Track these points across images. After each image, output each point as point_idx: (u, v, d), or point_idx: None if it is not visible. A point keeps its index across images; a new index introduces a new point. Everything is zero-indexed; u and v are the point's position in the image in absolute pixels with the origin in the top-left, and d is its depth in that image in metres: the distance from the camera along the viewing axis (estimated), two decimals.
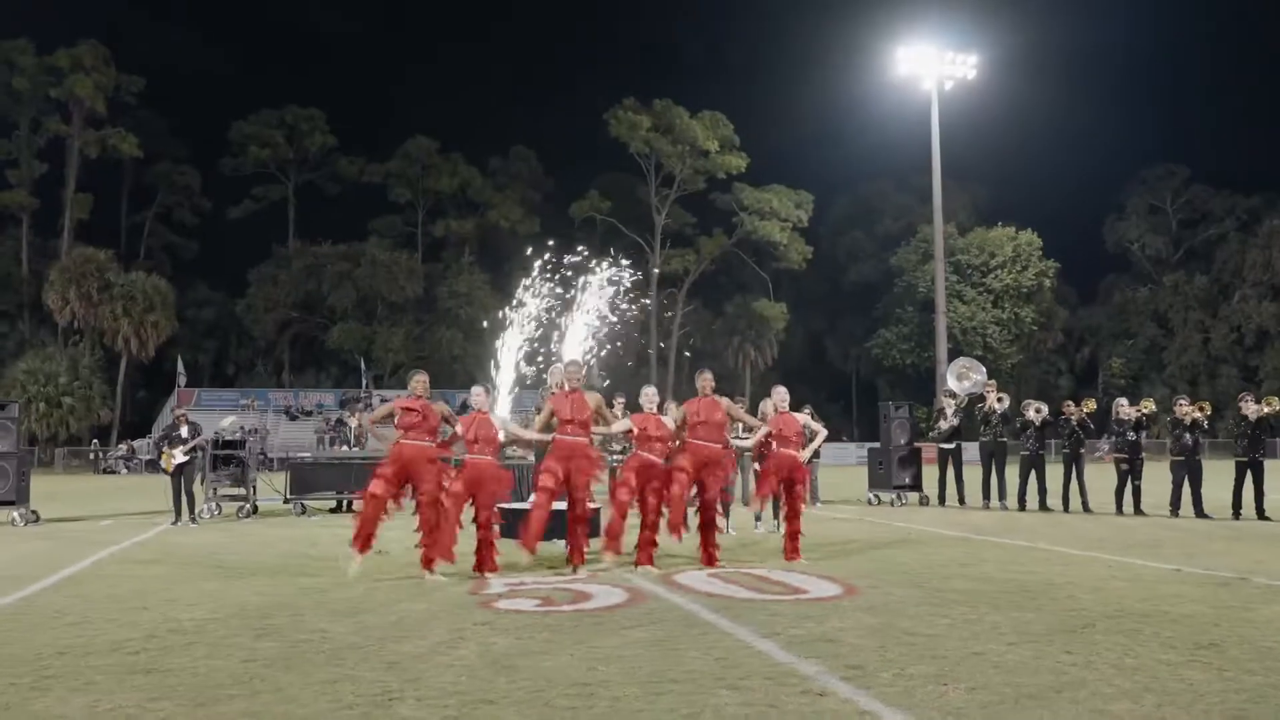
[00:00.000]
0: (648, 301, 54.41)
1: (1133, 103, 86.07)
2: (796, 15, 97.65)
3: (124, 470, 41.36)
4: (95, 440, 50.29)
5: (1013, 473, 15.69)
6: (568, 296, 15.59)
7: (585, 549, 8.60)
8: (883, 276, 66.14)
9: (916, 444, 17.43)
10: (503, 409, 13.81)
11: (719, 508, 9.03)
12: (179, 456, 13.88)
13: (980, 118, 58.30)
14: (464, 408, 10.11)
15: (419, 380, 8.38)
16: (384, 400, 37.30)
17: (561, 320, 15.45)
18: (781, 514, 10.03)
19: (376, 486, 8.09)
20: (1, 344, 56.25)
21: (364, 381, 41.53)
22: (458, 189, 65.50)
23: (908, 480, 16.82)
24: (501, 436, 8.88)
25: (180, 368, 42.45)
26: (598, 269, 14.90)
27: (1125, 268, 71.20)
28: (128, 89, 59.34)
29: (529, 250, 16.36)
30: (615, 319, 15.69)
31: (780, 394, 9.58)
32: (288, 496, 15.72)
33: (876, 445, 17.93)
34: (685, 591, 7.43)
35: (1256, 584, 7.61)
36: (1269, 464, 13.96)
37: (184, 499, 13.82)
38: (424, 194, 65.85)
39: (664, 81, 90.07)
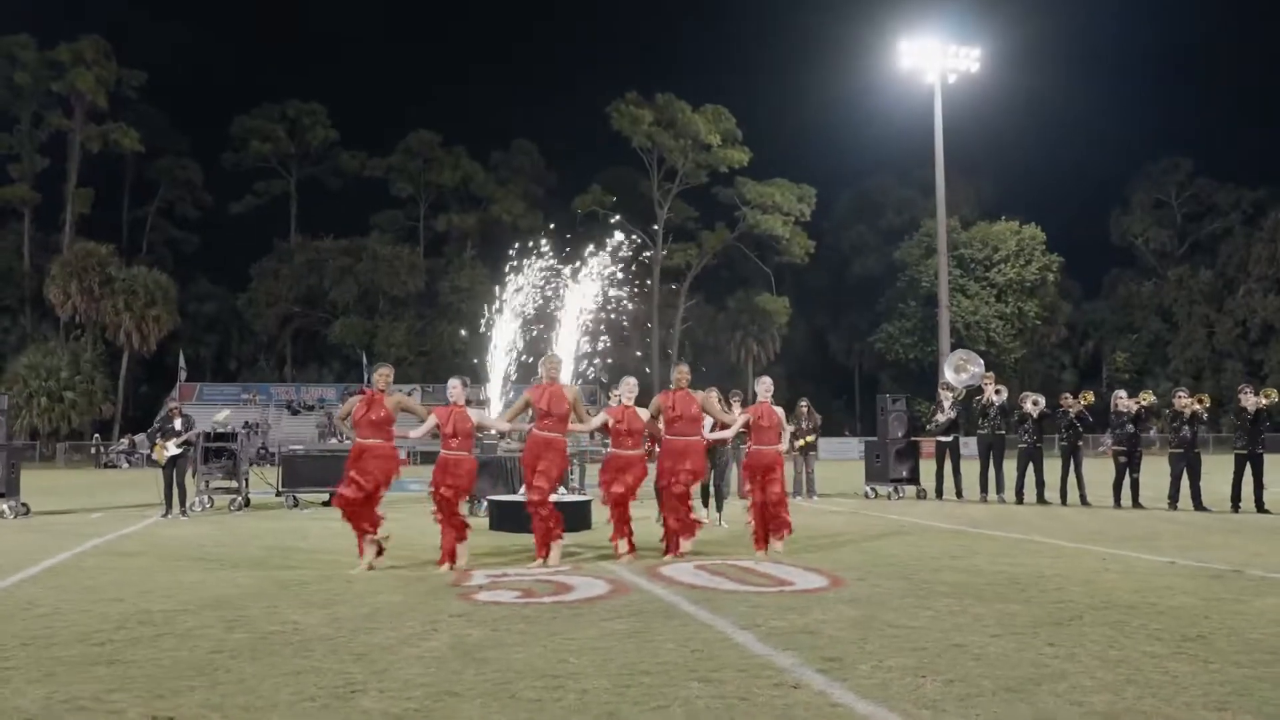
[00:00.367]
0: (650, 282, 54.40)
1: (1137, 96, 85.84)
2: (799, 8, 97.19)
3: (125, 464, 41.28)
4: (97, 435, 50.30)
5: (1011, 466, 15.57)
6: (562, 286, 15.48)
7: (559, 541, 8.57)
8: (886, 271, 65.93)
9: (914, 437, 17.30)
10: (494, 402, 13.74)
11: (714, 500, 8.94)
12: (171, 449, 13.79)
13: (984, 111, 58.17)
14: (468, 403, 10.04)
15: (380, 374, 8.34)
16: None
17: (556, 303, 15.34)
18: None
19: (343, 488, 8.08)
20: (3, 338, 56.24)
21: (365, 376, 41.46)
22: (460, 183, 65.41)
23: (905, 473, 16.70)
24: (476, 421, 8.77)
25: (181, 362, 42.30)
26: (598, 253, 14.80)
27: (1130, 262, 70.92)
28: (129, 83, 59.27)
29: (530, 244, 16.24)
30: (613, 307, 15.57)
31: (765, 385, 9.46)
32: (280, 489, 15.63)
33: (874, 439, 17.81)
34: (668, 583, 7.32)
35: (1250, 576, 7.49)
36: (1270, 457, 13.82)
37: (175, 491, 13.74)
38: (426, 188, 65.77)
39: (666, 75, 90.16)
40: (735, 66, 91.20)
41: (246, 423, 47.12)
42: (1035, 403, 15.16)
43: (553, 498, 8.56)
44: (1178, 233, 69.78)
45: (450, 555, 8.16)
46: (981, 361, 17.67)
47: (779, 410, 9.39)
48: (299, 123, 64.44)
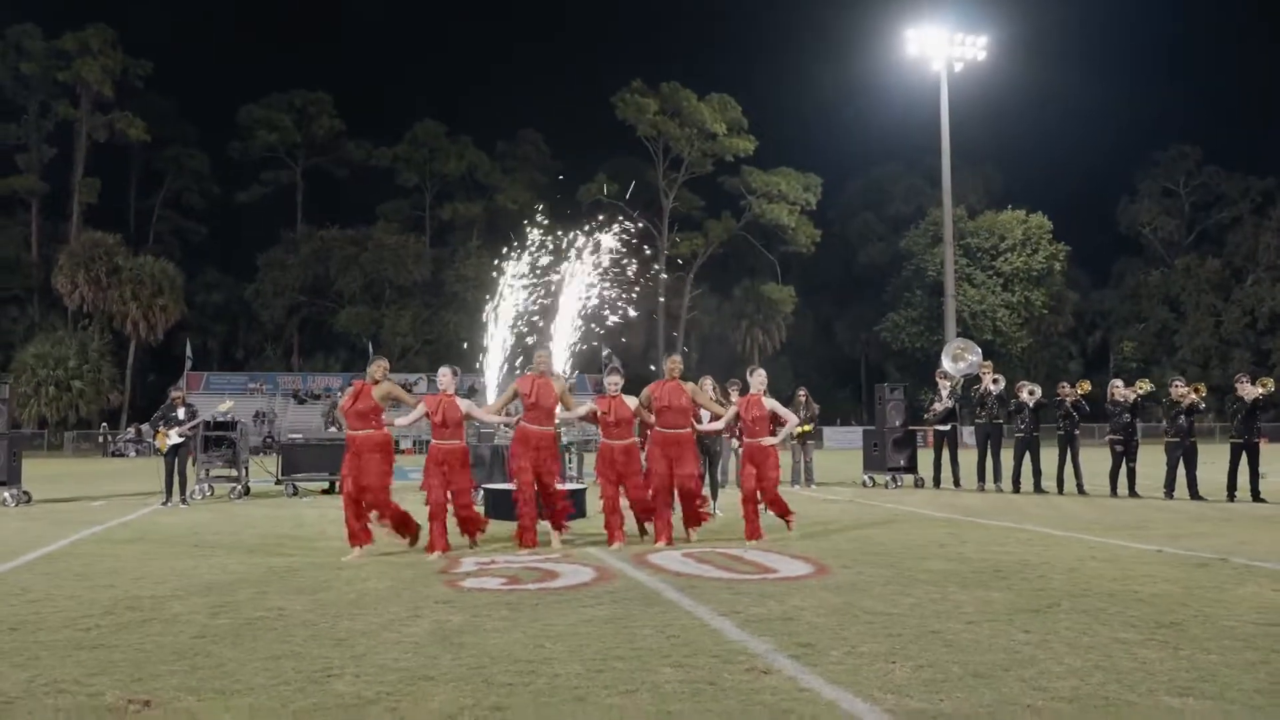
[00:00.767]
0: (658, 267, 54.37)
1: (1145, 84, 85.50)
2: None
3: (132, 453, 41.55)
4: (104, 424, 50.56)
5: (1009, 455, 15.59)
6: (561, 271, 15.55)
7: (565, 527, 8.79)
8: (892, 259, 65.86)
9: (912, 426, 17.32)
10: (490, 390, 13.80)
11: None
12: (173, 437, 13.89)
13: (990, 100, 58.04)
14: (471, 391, 10.19)
15: (375, 365, 8.48)
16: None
17: (554, 287, 15.41)
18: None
19: (346, 485, 8.27)
20: (12, 328, 56.53)
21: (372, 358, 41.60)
22: (465, 172, 65.52)
23: (902, 462, 16.73)
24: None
25: (188, 351, 42.55)
26: (599, 236, 14.90)
27: (1137, 251, 70.73)
28: (135, 73, 59.39)
29: (532, 230, 16.28)
30: (617, 295, 15.62)
31: (758, 378, 9.50)
32: (279, 477, 15.73)
33: (873, 427, 17.84)
34: (654, 570, 7.38)
35: (1234, 564, 7.51)
36: (1269, 447, 13.81)
37: (176, 479, 13.84)
38: (431, 177, 65.82)
39: (671, 64, 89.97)
40: (741, 55, 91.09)
41: (258, 412, 47.63)
42: (1031, 392, 15.17)
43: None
44: (1185, 222, 69.59)
45: (442, 543, 8.24)
46: (979, 350, 17.67)
47: (771, 402, 9.41)
48: (305, 112, 64.54)
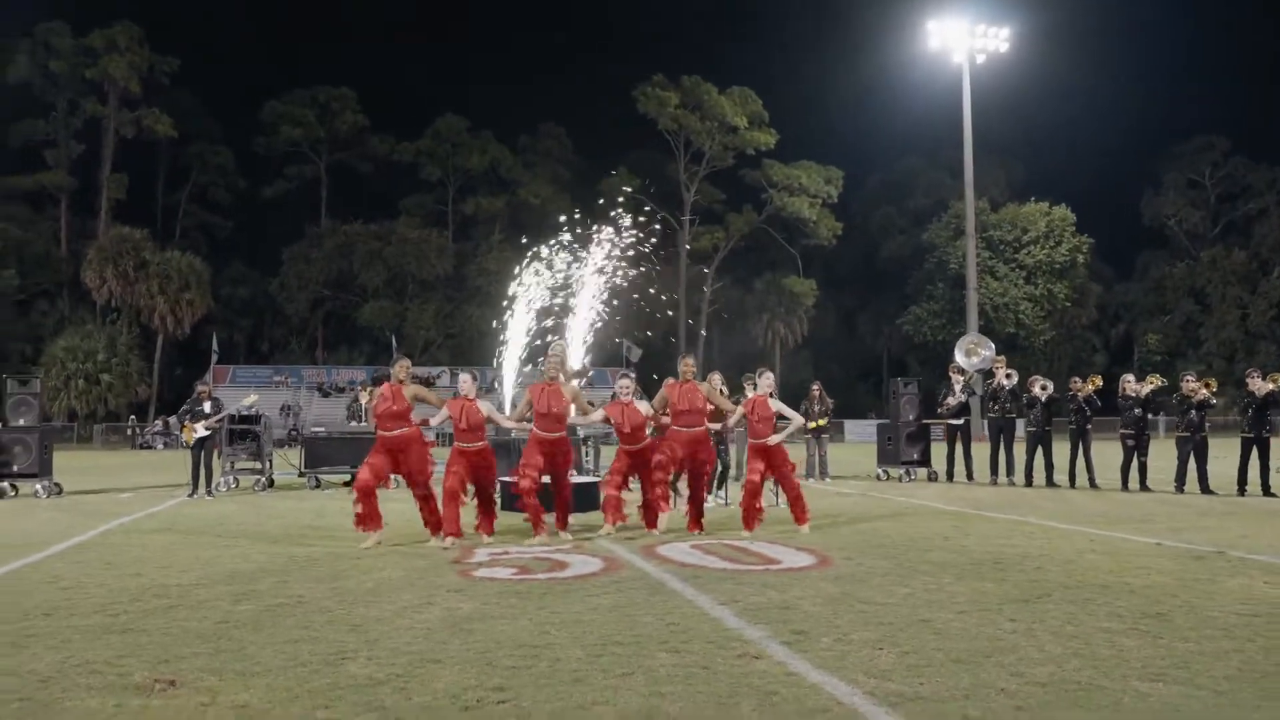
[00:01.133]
0: (680, 257, 54.43)
1: (1170, 74, 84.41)
2: None
3: (160, 446, 42.15)
4: (133, 417, 51.29)
5: (1021, 449, 15.71)
6: (581, 266, 15.78)
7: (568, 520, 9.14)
8: (914, 252, 65.75)
9: (925, 420, 17.45)
10: (506, 391, 14.07)
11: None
12: (200, 430, 14.26)
13: (1013, 91, 57.69)
14: (490, 390, 10.57)
15: (399, 365, 8.81)
16: (414, 379, 37.76)
17: (575, 287, 15.66)
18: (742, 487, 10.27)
19: (363, 472, 8.54)
20: (42, 321, 57.37)
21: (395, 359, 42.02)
22: (488, 167, 65.92)
23: (916, 456, 16.86)
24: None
25: (214, 345, 43.11)
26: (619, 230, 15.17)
27: (1162, 243, 70.16)
28: (162, 69, 60.06)
29: (563, 223, 16.53)
30: (635, 292, 15.87)
31: (765, 380, 9.73)
32: (302, 470, 16.07)
33: (887, 421, 17.99)
34: (661, 561, 7.60)
35: (1231, 557, 7.65)
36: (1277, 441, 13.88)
37: (202, 472, 14.21)
38: (454, 172, 66.29)
39: (693, 58, 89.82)
40: (762, 49, 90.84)
41: (285, 405, 48.21)
42: (1044, 387, 15.29)
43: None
44: (1211, 213, 68.97)
45: (453, 527, 8.54)
46: (992, 345, 17.82)
47: (777, 404, 9.60)
48: (329, 108, 65.09)
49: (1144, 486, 14.00)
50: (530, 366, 15.14)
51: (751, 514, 9.26)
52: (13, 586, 6.72)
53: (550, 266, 15.82)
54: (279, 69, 70.95)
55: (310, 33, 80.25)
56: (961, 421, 16.58)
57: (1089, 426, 15.02)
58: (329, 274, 61.36)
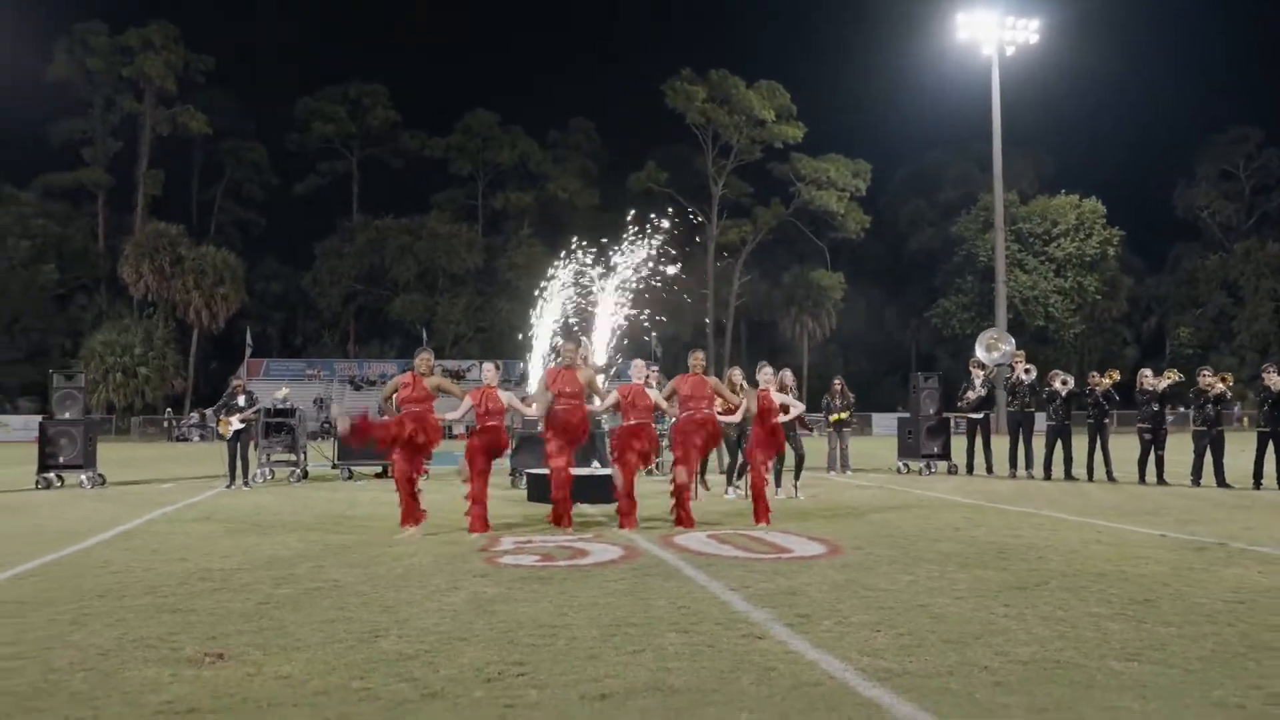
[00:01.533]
0: (713, 246, 54.60)
1: (1203, 64, 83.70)
2: None
3: (196, 438, 42.96)
4: (169, 409, 52.26)
5: (1040, 443, 15.91)
6: (607, 267, 16.16)
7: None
8: (942, 245, 65.62)
9: (946, 414, 17.67)
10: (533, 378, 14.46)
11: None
12: (235, 424, 14.76)
13: (1043, 83, 57.61)
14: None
15: (421, 358, 9.25)
16: (445, 371, 38.33)
17: (598, 287, 16.04)
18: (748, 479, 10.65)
19: (398, 463, 9.01)
20: (80, 315, 58.55)
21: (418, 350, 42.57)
22: (517, 161, 66.53)
23: (936, 449, 17.07)
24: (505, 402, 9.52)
25: (248, 339, 43.86)
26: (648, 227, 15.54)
27: (1195, 235, 69.65)
28: (197, 67, 61.09)
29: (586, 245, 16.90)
30: (661, 284, 16.21)
31: (766, 373, 10.18)
32: (335, 462, 16.53)
33: (907, 415, 18.22)
34: (677, 550, 7.94)
35: (1231, 548, 7.88)
36: None
37: (239, 464, 14.70)
38: (484, 167, 66.89)
39: (721, 51, 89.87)
40: (790, 42, 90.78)
41: (318, 398, 48.94)
42: (1064, 381, 15.47)
43: (583, 471, 9.37)
44: (1245, 205, 68.34)
45: (481, 525, 8.93)
46: (1013, 340, 17.95)
47: (780, 396, 9.96)
48: (360, 104, 65.88)
49: (1161, 480, 14.18)
50: (555, 358, 15.56)
51: (760, 505, 9.61)
52: (67, 571, 7.16)
53: (580, 270, 16.23)
54: (311, 66, 71.85)
55: (342, 30, 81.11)
56: (982, 415, 16.79)
57: (1107, 420, 15.20)
58: (360, 268, 62.12)
